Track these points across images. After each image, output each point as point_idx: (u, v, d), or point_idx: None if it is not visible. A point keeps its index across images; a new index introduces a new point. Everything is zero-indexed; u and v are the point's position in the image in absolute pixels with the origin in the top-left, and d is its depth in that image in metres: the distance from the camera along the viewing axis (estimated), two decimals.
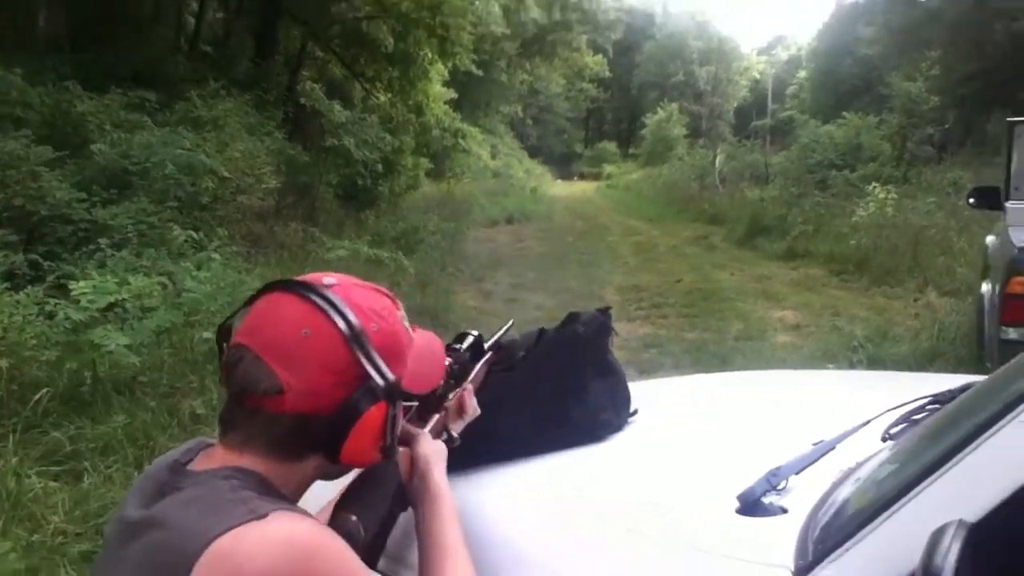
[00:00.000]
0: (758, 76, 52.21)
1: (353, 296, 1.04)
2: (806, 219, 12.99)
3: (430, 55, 16.22)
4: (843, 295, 9.02)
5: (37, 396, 4.12)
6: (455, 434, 1.34)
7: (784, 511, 1.17)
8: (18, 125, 7.47)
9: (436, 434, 1.30)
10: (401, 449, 1.18)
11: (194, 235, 6.90)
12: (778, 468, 1.23)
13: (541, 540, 1.27)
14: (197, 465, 1.04)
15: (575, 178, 43.23)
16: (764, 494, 1.20)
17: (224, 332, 1.08)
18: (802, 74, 43.86)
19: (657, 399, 1.96)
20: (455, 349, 1.41)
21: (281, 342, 0.99)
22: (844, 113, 21.71)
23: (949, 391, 1.42)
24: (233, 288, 5.84)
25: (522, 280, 10.29)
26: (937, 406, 1.39)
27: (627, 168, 41.07)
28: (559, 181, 38.66)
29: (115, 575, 0.99)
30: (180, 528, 0.92)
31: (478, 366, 1.45)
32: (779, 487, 1.21)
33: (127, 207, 6.94)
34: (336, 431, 1.01)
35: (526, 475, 1.49)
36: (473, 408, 1.41)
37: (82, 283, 4.97)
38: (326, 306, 1.00)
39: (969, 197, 5.83)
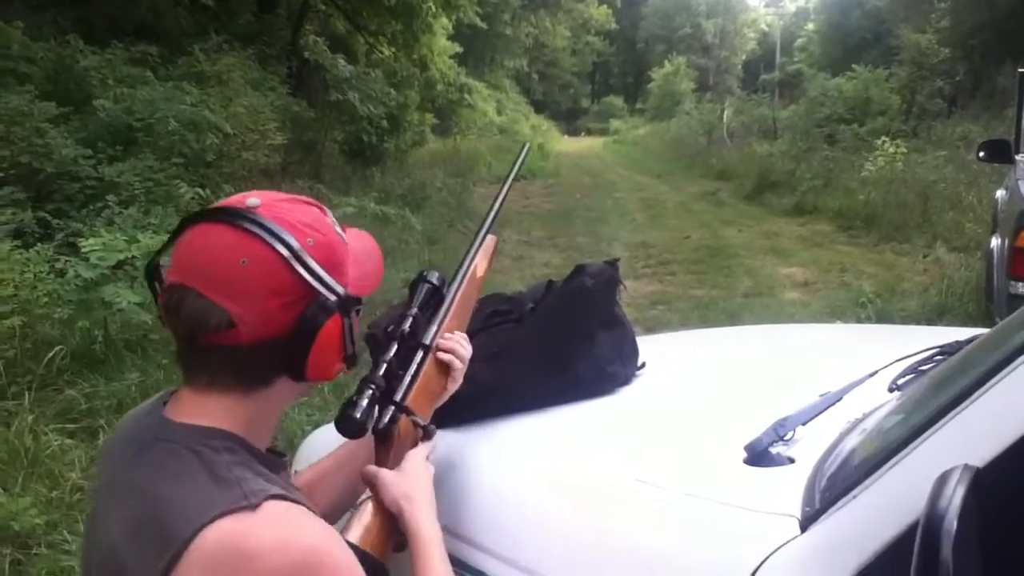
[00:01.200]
0: (766, 28, 51.52)
1: (281, 214, 1.01)
2: (815, 174, 12.91)
3: (434, 8, 16.02)
4: (851, 251, 8.99)
5: (51, 354, 4.17)
6: (427, 423, 1.23)
7: (791, 461, 1.19)
8: (21, 80, 7.42)
9: (404, 446, 1.20)
10: (368, 505, 1.14)
11: (200, 192, 6.89)
12: (785, 419, 1.24)
13: (550, 492, 1.29)
14: (172, 413, 1.02)
15: (582, 134, 42.91)
16: (771, 444, 1.21)
17: (155, 271, 1.04)
18: (810, 26, 43.25)
19: (664, 353, 1.97)
20: (402, 319, 1.27)
21: (221, 275, 0.96)
22: (853, 66, 21.40)
23: (956, 342, 1.43)
24: None
25: (529, 237, 10.27)
26: (944, 357, 1.39)
27: (634, 123, 40.76)
28: (566, 137, 38.39)
29: (107, 536, 0.98)
30: (169, 506, 0.92)
31: (443, 311, 1.31)
32: (786, 437, 1.23)
33: (133, 164, 6.93)
34: (296, 351, 0.99)
35: (534, 428, 1.51)
36: (462, 351, 1.31)
37: (91, 240, 4.99)
38: (258, 230, 0.97)
39: (979, 151, 5.79)
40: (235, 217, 0.98)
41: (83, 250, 4.92)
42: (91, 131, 7.32)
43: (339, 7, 15.84)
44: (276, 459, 1.06)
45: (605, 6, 48.32)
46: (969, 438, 0.85)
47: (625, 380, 1.67)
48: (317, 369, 1.01)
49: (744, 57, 50.60)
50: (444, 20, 17.73)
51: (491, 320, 1.68)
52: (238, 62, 10.29)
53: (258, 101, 9.70)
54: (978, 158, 5.88)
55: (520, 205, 13.55)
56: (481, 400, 1.53)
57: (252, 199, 1.01)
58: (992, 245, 4.94)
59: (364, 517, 1.12)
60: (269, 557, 0.88)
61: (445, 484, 1.43)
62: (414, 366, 1.24)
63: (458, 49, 21.28)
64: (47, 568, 2.82)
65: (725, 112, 25.20)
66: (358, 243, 1.13)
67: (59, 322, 4.52)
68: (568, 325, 1.61)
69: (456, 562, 1.25)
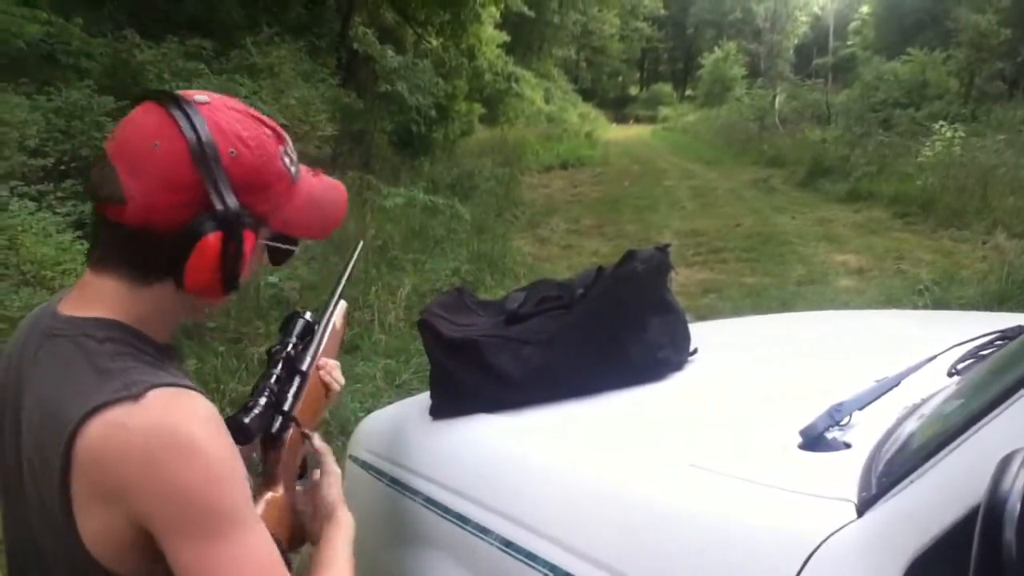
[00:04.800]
0: (819, 11, 50.39)
1: (220, 117, 0.99)
2: (869, 160, 12.66)
3: None
4: (908, 238, 8.81)
5: None
6: (310, 433, 1.30)
7: (847, 446, 1.17)
8: (81, 75, 7.60)
9: (293, 454, 1.27)
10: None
11: None
12: (841, 404, 1.23)
13: (604, 477, 1.29)
14: (63, 307, 1.02)
15: (630, 121, 42.55)
16: (827, 429, 1.19)
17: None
18: (864, 8, 42.21)
19: (717, 338, 1.96)
20: (267, 375, 1.28)
21: (132, 151, 0.96)
22: (909, 49, 20.93)
23: (1018, 326, 1.40)
24: None
25: (578, 226, 10.25)
26: (1005, 341, 1.36)
27: (683, 110, 40.32)
28: (614, 125, 38.09)
29: (14, 415, 1.00)
30: (57, 403, 0.93)
31: (316, 345, 1.37)
32: (842, 422, 1.21)
33: None
34: (176, 253, 0.97)
35: (586, 413, 1.51)
36: (336, 383, 1.36)
37: None
38: (183, 122, 0.95)
39: None
40: (174, 103, 0.97)
41: None
42: None
43: None
44: (169, 348, 1.06)
45: None
46: None
47: (677, 366, 1.67)
48: (193, 280, 0.99)
49: (796, 41, 49.59)
50: (492, 9, 17.70)
51: (541, 306, 1.69)
52: (289, 54, 10.41)
53: (309, 93, 9.81)
54: None
55: (568, 194, 13.53)
56: (534, 385, 1.54)
57: (204, 96, 1.01)
58: None
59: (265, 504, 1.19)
60: (146, 445, 0.88)
61: (498, 470, 1.45)
62: (296, 386, 1.29)
63: (506, 38, 21.25)
64: None
65: (777, 98, 24.78)
66: (320, 188, 1.13)
67: None
68: (619, 310, 1.61)
69: (511, 546, 1.27)
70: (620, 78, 53.48)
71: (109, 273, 1.00)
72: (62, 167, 6.25)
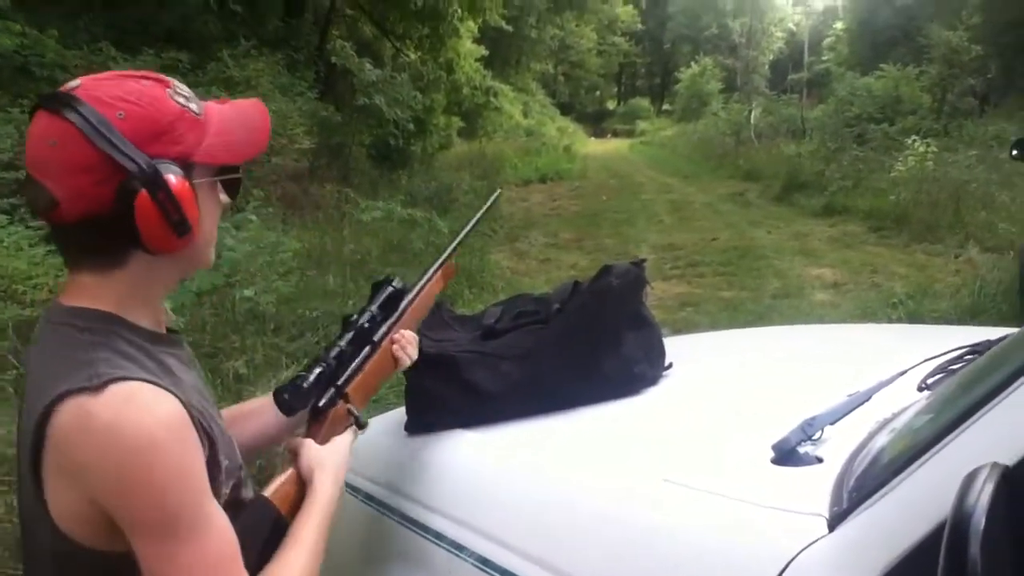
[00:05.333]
0: (794, 28, 50.96)
1: (95, 91, 1.01)
2: (844, 174, 12.78)
3: (460, 11, 16.05)
4: (882, 252, 8.90)
5: None
6: (360, 415, 1.31)
7: (819, 460, 1.18)
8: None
9: (334, 430, 1.27)
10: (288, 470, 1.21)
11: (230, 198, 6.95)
12: (813, 418, 1.24)
13: (577, 492, 1.29)
14: (60, 296, 1.07)
15: (608, 135, 42.73)
16: (799, 444, 1.20)
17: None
18: (839, 25, 42.79)
19: (691, 353, 1.97)
20: (351, 323, 1.35)
21: (39, 157, 1.00)
22: (882, 65, 21.17)
23: (987, 341, 1.41)
24: (272, 248, 5.90)
25: (556, 240, 10.27)
26: (974, 356, 1.38)
27: (661, 124, 40.53)
28: (592, 139, 38.22)
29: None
30: (39, 379, 0.98)
31: (399, 312, 1.40)
32: (814, 437, 1.22)
33: None
34: (126, 226, 0.99)
35: (561, 428, 1.51)
36: (412, 350, 1.40)
37: None
38: (64, 110, 0.98)
39: (1012, 149, 5.70)
40: (51, 101, 1.00)
41: None
42: None
43: (366, 11, 15.94)
44: (162, 334, 1.10)
45: (631, 6, 48.11)
46: (998, 436, 0.84)
47: (652, 380, 1.67)
48: (154, 241, 1.01)
49: (772, 57, 50.06)
50: (470, 23, 17.76)
51: (518, 321, 1.69)
52: (266, 67, 10.39)
53: (286, 106, 9.78)
54: (1011, 156, 5.78)
55: (547, 207, 13.55)
56: (510, 400, 1.54)
57: (74, 82, 1.03)
58: None
59: (283, 480, 1.19)
60: (103, 437, 0.91)
61: (473, 487, 1.44)
62: (360, 359, 1.32)
63: (484, 52, 21.32)
64: None
65: (753, 112, 24.97)
66: (234, 113, 1.13)
67: None
68: (595, 325, 1.62)
69: (487, 563, 1.26)
70: (598, 92, 53.76)
71: (82, 270, 1.04)
72: None
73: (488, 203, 1.66)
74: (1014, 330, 1.57)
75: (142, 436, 0.92)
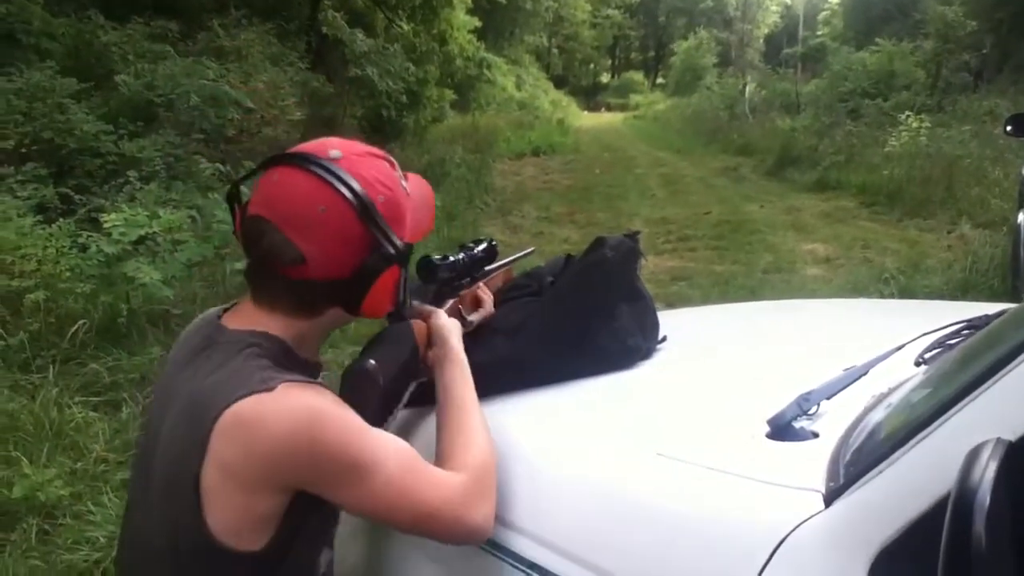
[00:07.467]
0: (789, 1, 50.71)
1: (359, 169, 1.13)
2: (837, 149, 12.76)
3: None
4: (874, 227, 8.90)
5: (74, 328, 4.20)
6: (469, 318, 1.48)
7: (815, 435, 1.17)
8: (42, 56, 7.45)
9: (451, 316, 1.42)
10: (418, 323, 1.34)
11: (221, 168, 6.90)
12: (809, 393, 1.22)
13: (571, 465, 1.28)
14: (228, 320, 1.18)
15: (602, 109, 42.59)
16: (795, 419, 1.19)
17: (234, 196, 1.21)
18: None
19: (686, 326, 1.95)
20: (469, 248, 1.54)
21: (300, 217, 1.10)
22: (877, 39, 21.04)
23: (985, 315, 1.40)
24: None
25: (549, 213, 10.24)
26: (972, 331, 1.37)
27: (654, 98, 40.40)
28: (585, 112, 38.08)
29: (166, 410, 1.13)
30: (209, 390, 1.07)
31: (490, 268, 1.60)
32: (810, 412, 1.21)
33: (154, 139, 6.95)
34: (355, 292, 1.14)
35: (555, 401, 1.50)
36: (488, 304, 1.55)
37: (113, 216, 5.02)
38: (338, 183, 1.10)
39: (1006, 125, 5.68)
40: (319, 167, 1.11)
41: (105, 225, 4.95)
42: (112, 107, 7.35)
43: None
44: (315, 364, 1.22)
45: None
46: (1001, 412, 0.83)
47: (646, 354, 1.66)
48: (370, 308, 1.16)
49: (767, 31, 49.82)
50: None
51: (510, 294, 1.67)
52: (257, 37, 10.29)
53: (277, 76, 9.70)
54: (1005, 132, 5.77)
55: (540, 181, 13.50)
56: (501, 373, 1.52)
57: (334, 151, 1.14)
58: (1018, 221, 4.87)
59: (418, 323, 1.35)
60: (276, 422, 1.03)
61: None
62: (481, 272, 1.57)
63: (478, 24, 21.15)
64: (72, 538, 2.85)
65: (747, 87, 24.89)
66: (416, 191, 1.26)
67: (82, 297, 4.56)
68: (588, 298, 1.60)
69: None
70: (592, 65, 53.51)
71: (276, 309, 1.16)
72: (23, 150, 6.13)
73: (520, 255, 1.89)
74: (1011, 306, 1.56)
75: (319, 409, 1.05)
